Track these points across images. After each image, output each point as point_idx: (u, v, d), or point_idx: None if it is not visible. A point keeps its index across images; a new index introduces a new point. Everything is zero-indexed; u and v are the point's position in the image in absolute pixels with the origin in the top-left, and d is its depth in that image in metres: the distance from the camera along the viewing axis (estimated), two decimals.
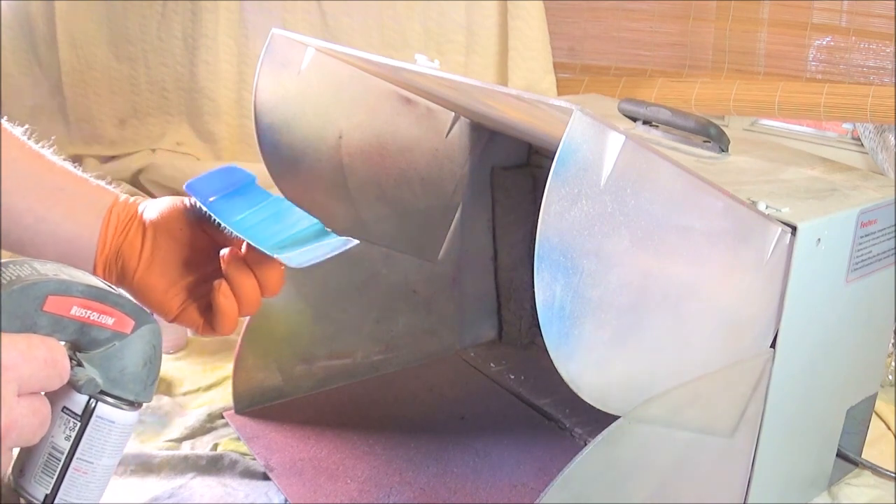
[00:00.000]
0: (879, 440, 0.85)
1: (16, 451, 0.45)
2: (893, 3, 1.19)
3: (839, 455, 0.76)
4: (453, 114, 0.85)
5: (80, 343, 0.44)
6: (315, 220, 0.61)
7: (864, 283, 0.66)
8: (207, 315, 0.59)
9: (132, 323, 0.45)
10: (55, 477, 0.45)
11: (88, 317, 0.43)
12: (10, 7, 1.51)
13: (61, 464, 0.45)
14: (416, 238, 0.90)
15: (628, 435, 0.53)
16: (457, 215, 0.92)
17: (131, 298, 0.46)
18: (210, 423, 0.83)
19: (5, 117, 0.59)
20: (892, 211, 0.67)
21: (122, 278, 0.59)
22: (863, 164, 1.30)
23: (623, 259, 0.49)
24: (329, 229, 0.60)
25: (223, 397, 0.88)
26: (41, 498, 0.45)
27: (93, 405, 0.45)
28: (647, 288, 0.51)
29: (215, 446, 0.79)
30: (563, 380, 0.48)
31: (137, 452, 0.76)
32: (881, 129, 1.23)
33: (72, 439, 0.45)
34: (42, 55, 1.55)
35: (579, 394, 0.49)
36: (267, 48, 0.71)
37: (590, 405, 0.50)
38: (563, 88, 1.48)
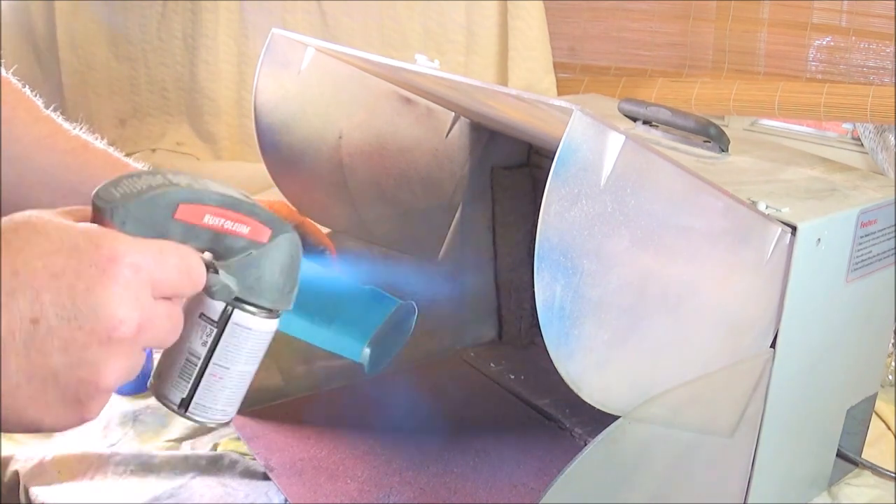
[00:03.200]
0: (879, 440, 0.85)
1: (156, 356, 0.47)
2: (893, 3, 1.19)
3: (839, 455, 0.76)
4: (453, 114, 0.85)
5: (217, 251, 0.44)
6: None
7: (864, 283, 0.66)
8: None
9: (268, 232, 0.45)
10: (191, 381, 0.45)
11: (222, 225, 0.43)
12: (10, 7, 1.51)
13: (197, 369, 0.45)
14: (416, 238, 0.90)
15: (628, 435, 0.53)
16: (457, 215, 0.92)
17: (266, 208, 0.46)
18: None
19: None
20: (892, 211, 0.67)
21: None
22: (863, 164, 1.30)
23: (623, 259, 0.49)
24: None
25: None
26: (177, 401, 0.46)
27: (229, 311, 0.45)
28: (647, 288, 0.51)
29: (215, 446, 0.79)
30: (563, 380, 0.48)
31: (137, 452, 0.76)
32: (881, 129, 1.23)
33: (208, 345, 0.45)
34: (42, 55, 1.55)
35: (579, 394, 0.49)
36: (267, 48, 0.71)
37: (590, 405, 0.50)
38: (563, 88, 1.48)
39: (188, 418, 0.46)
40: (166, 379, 0.46)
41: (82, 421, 0.39)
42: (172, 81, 1.57)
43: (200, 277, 0.42)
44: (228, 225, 0.43)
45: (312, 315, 0.64)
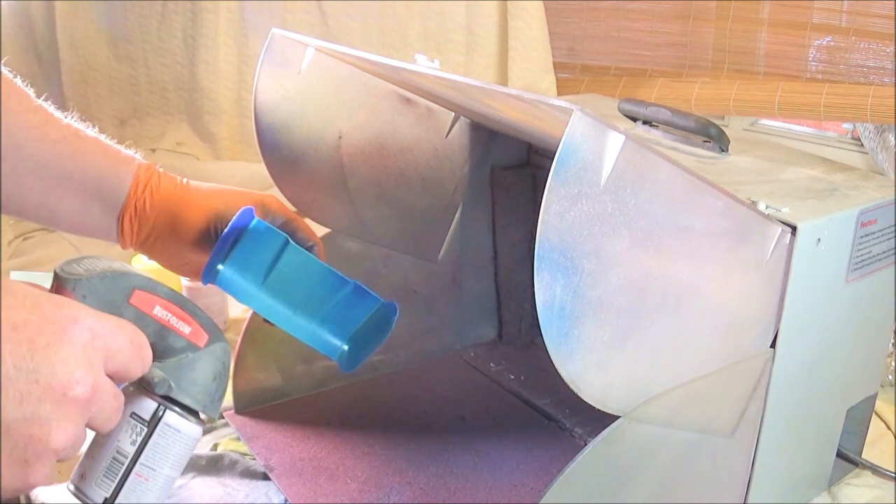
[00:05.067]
0: (879, 440, 0.85)
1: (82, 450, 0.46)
2: (893, 3, 1.19)
3: (839, 455, 0.76)
4: (453, 114, 0.85)
5: (157, 348, 0.46)
6: (346, 280, 0.65)
7: (864, 283, 0.66)
8: None
9: (206, 337, 0.48)
10: (116, 481, 0.47)
11: (168, 320, 0.46)
12: (10, 7, 1.51)
13: (124, 468, 0.47)
14: (416, 238, 0.90)
15: (628, 435, 0.53)
16: (457, 215, 0.92)
17: (207, 314, 0.48)
18: (210, 423, 0.83)
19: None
20: (892, 211, 0.67)
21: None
22: (863, 164, 1.30)
23: (623, 259, 0.49)
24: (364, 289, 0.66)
25: None
26: (100, 502, 0.47)
27: (161, 413, 0.47)
28: (647, 288, 0.51)
29: (215, 446, 0.79)
30: (563, 380, 0.48)
31: None
32: (881, 129, 1.23)
33: (137, 444, 0.47)
34: (42, 55, 1.55)
35: (579, 394, 0.49)
36: (267, 48, 0.71)
37: (590, 405, 0.50)
38: (563, 88, 1.48)
39: None
40: (90, 478, 0.47)
41: (26, 485, 0.39)
42: (172, 81, 1.58)
43: (148, 358, 0.44)
44: (174, 322, 0.46)
45: (295, 305, 0.65)
